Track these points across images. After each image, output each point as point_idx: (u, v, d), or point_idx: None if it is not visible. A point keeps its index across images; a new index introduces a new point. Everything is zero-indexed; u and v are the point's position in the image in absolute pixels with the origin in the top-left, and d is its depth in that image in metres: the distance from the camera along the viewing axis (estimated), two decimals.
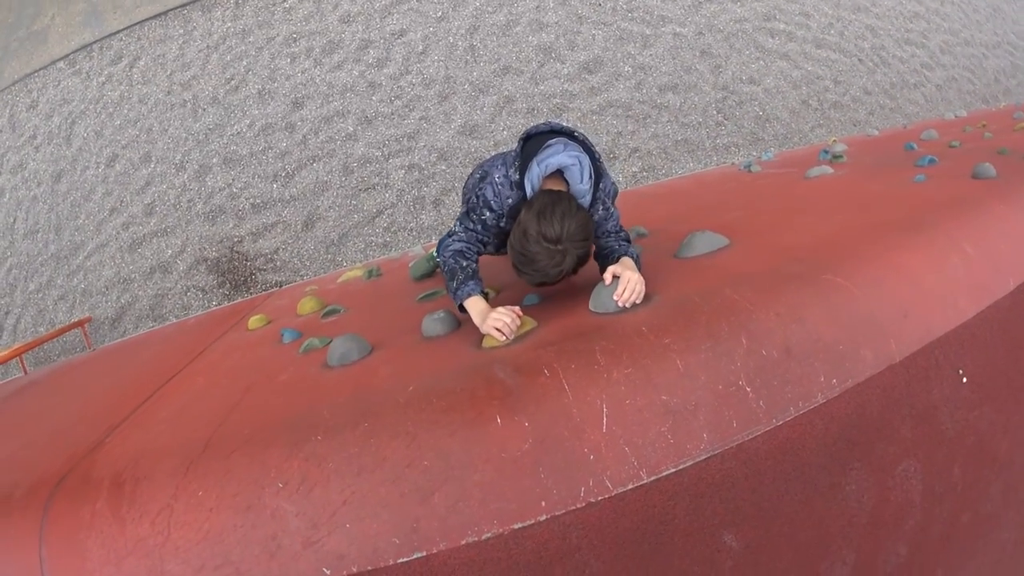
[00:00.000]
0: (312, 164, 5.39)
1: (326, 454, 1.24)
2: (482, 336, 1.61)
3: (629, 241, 1.84)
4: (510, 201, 1.79)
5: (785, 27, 6.51)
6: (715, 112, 5.92)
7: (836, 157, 3.91)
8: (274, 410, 1.49)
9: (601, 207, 1.82)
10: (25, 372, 4.89)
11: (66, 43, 6.61)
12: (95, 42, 6.38)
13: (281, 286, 5.27)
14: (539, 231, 1.56)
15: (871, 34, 7.48)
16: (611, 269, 1.62)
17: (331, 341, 1.90)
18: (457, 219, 1.91)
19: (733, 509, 1.33)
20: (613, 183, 1.96)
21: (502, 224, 1.84)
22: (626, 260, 1.72)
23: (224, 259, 5.51)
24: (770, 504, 1.36)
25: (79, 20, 6.56)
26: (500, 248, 1.97)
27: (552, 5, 5.52)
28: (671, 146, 5.67)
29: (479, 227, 1.82)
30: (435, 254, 2.66)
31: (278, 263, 5.42)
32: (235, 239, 5.52)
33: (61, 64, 6.64)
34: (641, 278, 1.60)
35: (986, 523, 1.71)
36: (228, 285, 5.51)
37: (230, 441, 1.36)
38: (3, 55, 7.16)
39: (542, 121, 2.04)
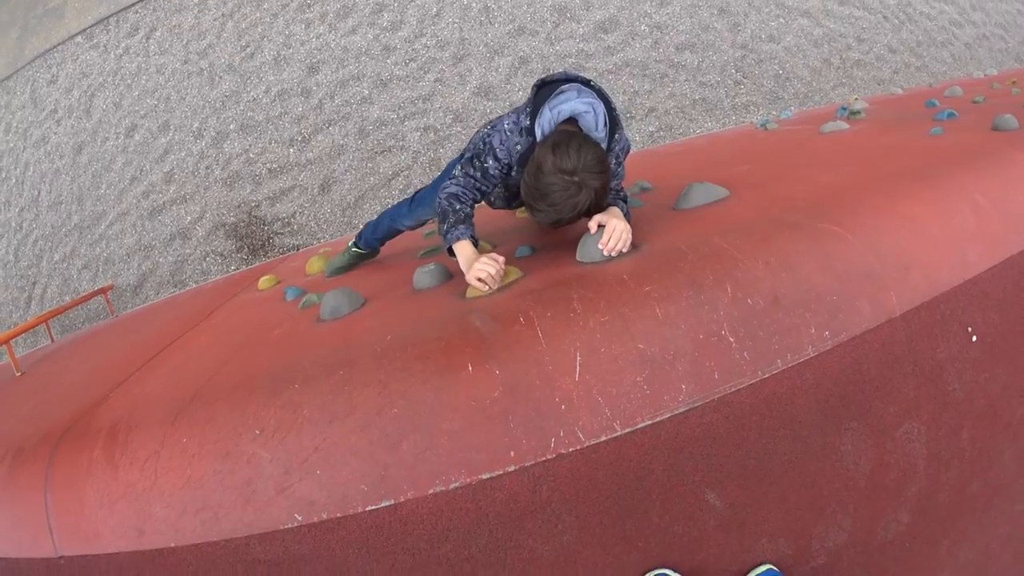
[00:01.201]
0: (328, 128, 5.40)
1: (301, 402, 1.25)
2: (467, 286, 1.60)
3: (626, 200, 1.80)
4: (519, 148, 1.73)
5: None
6: (734, 71, 5.81)
7: (854, 113, 3.80)
8: (261, 363, 1.52)
9: (614, 160, 1.75)
10: (52, 340, 5.03)
11: (83, 18, 6.66)
12: (111, 15, 6.43)
13: (298, 249, 5.32)
14: (554, 163, 1.50)
15: None
16: (596, 218, 1.58)
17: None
18: (459, 163, 1.84)
19: (716, 466, 1.27)
20: (627, 139, 1.87)
21: (511, 174, 1.79)
22: (613, 209, 1.67)
23: (242, 224, 5.57)
24: (756, 462, 1.29)
25: None
26: (509, 202, 1.94)
27: None
28: (688, 105, 5.58)
29: (479, 174, 1.77)
30: (350, 245, 2.60)
31: (295, 227, 5.46)
32: (252, 204, 5.57)
33: (79, 39, 6.70)
34: (627, 226, 1.56)
35: (997, 493, 1.61)
36: (246, 250, 5.57)
37: (216, 392, 1.39)
38: (23, 32, 7.24)
39: (559, 70, 1.98)
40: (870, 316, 1.35)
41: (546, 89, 1.71)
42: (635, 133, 5.37)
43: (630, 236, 1.55)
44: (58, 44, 6.91)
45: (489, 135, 1.77)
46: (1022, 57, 8.78)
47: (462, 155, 1.93)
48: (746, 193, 1.88)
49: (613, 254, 1.53)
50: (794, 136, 3.37)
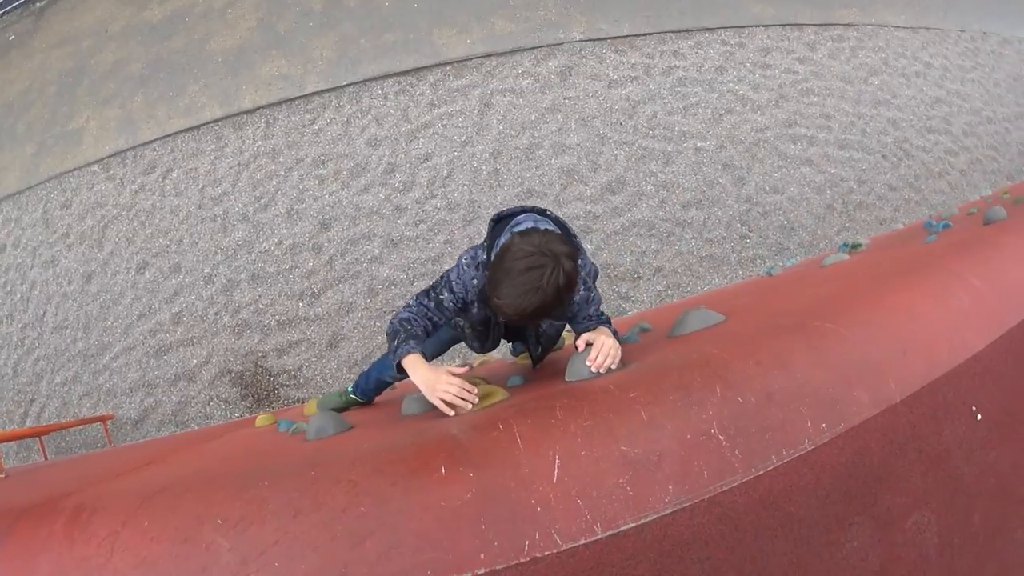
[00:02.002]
0: (338, 285, 5.46)
1: (267, 497, 1.24)
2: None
3: (609, 323, 1.78)
4: (475, 282, 1.73)
5: (807, 131, 6.52)
6: (739, 225, 5.92)
7: (855, 247, 3.83)
8: (236, 466, 1.53)
9: (583, 287, 1.73)
10: (45, 458, 5.00)
11: (100, 147, 6.80)
12: (129, 149, 6.56)
13: (303, 402, 5.31)
14: (521, 240, 1.46)
15: (893, 127, 7.45)
16: (584, 336, 1.57)
17: None
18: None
19: (709, 570, 1.21)
20: (592, 263, 1.87)
21: (472, 309, 1.77)
22: (601, 328, 1.66)
23: (248, 373, 5.58)
24: (754, 566, 1.23)
25: (113, 126, 6.76)
26: (483, 341, 1.90)
27: (574, 127, 5.59)
28: (695, 263, 5.67)
29: (432, 304, 1.76)
30: (348, 390, 2.61)
31: (301, 380, 5.47)
32: (260, 354, 5.59)
33: (95, 167, 6.83)
34: (616, 343, 1.54)
35: (1013, 572, 1.57)
36: (251, 398, 5.56)
37: (185, 485, 1.40)
38: (39, 150, 7.37)
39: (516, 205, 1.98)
40: (869, 404, 1.32)
41: (503, 223, 1.73)
42: (642, 293, 5.44)
43: (619, 353, 1.53)
44: (74, 169, 7.03)
45: (448, 270, 1.78)
46: (1014, 175, 8.97)
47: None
48: (743, 316, 1.88)
49: (602, 371, 1.50)
50: (796, 273, 3.47)
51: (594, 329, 1.68)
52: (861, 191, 6.84)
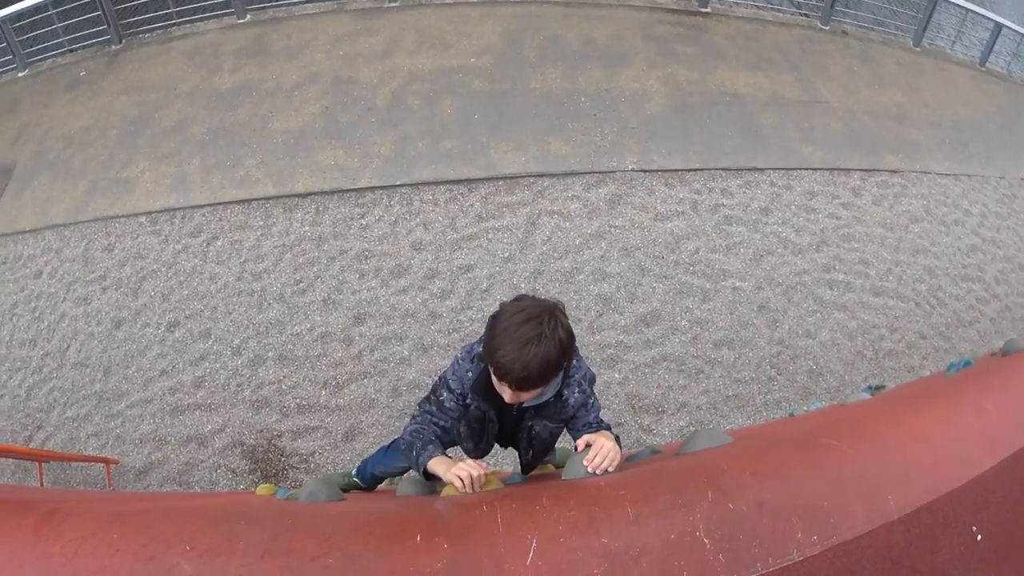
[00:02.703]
0: (363, 379, 5.48)
1: (240, 534, 1.24)
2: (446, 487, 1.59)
3: (611, 429, 1.78)
4: (470, 375, 1.75)
5: (844, 277, 6.55)
6: (768, 367, 5.90)
7: (878, 388, 3.82)
8: (220, 507, 1.53)
9: (577, 389, 1.75)
10: (42, 484, 4.97)
11: (151, 200, 6.96)
12: (178, 208, 6.72)
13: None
14: (514, 304, 1.51)
15: (928, 275, 7.47)
16: (585, 437, 1.58)
17: None
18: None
19: None
20: (589, 368, 1.88)
21: (469, 406, 1.78)
22: (604, 431, 1.68)
23: (260, 449, 5.56)
24: None
25: (167, 182, 6.93)
26: (478, 441, 1.91)
27: (616, 256, 5.66)
28: (720, 401, 5.64)
29: (434, 408, 1.79)
30: (352, 473, 2.62)
31: (312, 465, 5.44)
32: (275, 433, 5.58)
33: (143, 219, 6.97)
34: (616, 447, 1.54)
35: None
36: (259, 473, 5.53)
37: (163, 511, 1.41)
38: (91, 189, 7.54)
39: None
40: (864, 520, 1.27)
41: None
42: (664, 427, 5.40)
43: (618, 456, 1.52)
44: (121, 215, 7.17)
45: (444, 371, 1.82)
46: None
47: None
48: (752, 440, 1.86)
49: (599, 472, 1.48)
50: (815, 412, 3.42)
51: (598, 431, 1.70)
52: (892, 339, 6.81)
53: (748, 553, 1.21)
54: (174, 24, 8.53)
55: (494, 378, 1.67)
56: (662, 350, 5.56)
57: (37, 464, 5.03)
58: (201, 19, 8.39)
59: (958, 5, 10.15)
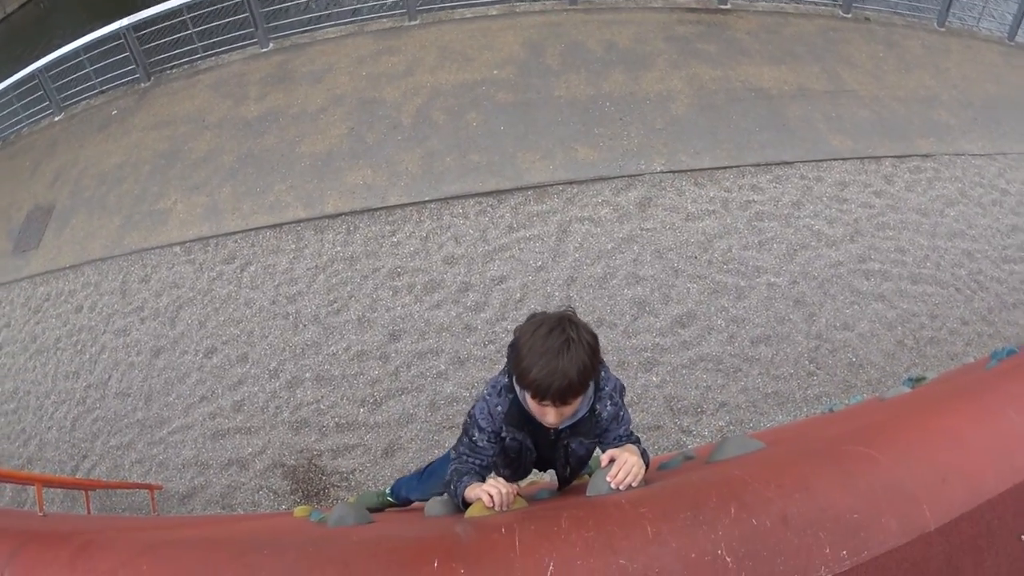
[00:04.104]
0: (400, 395, 5.51)
1: (263, 565, 1.25)
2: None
3: (640, 443, 1.75)
4: (500, 409, 1.72)
5: (880, 266, 6.41)
6: (807, 362, 5.79)
7: (919, 380, 3.71)
8: (247, 536, 1.60)
9: (609, 402, 1.73)
10: (89, 511, 5.09)
11: (184, 230, 7.13)
12: (211, 237, 6.87)
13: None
14: (529, 322, 1.52)
15: (968, 259, 7.26)
16: (610, 452, 1.54)
17: None
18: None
19: None
20: (617, 379, 1.85)
21: (505, 440, 1.76)
22: (628, 446, 1.64)
23: (301, 469, 5.63)
24: None
25: (199, 212, 7.10)
26: (515, 471, 1.90)
27: (649, 259, 5.63)
28: (760, 399, 5.55)
29: (467, 450, 1.76)
30: (386, 492, 2.64)
31: (353, 483, 5.48)
32: (315, 452, 5.64)
33: (177, 249, 7.14)
34: (640, 461, 1.50)
35: None
36: (300, 493, 5.59)
37: (191, 542, 1.47)
38: (125, 223, 7.75)
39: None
40: (898, 533, 1.19)
41: None
42: (704, 427, 5.33)
43: (642, 471, 1.48)
44: (156, 247, 7.35)
45: (473, 408, 1.78)
46: None
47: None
48: (783, 444, 1.80)
49: (622, 487, 1.45)
50: (854, 408, 3.27)
51: (623, 445, 1.67)
52: (933, 326, 6.63)
53: (772, 571, 1.16)
54: (199, 58, 8.77)
55: (531, 403, 1.65)
56: (699, 350, 5.49)
57: (84, 492, 5.18)
58: (226, 51, 8.61)
59: None
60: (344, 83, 7.48)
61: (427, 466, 2.42)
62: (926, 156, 7.31)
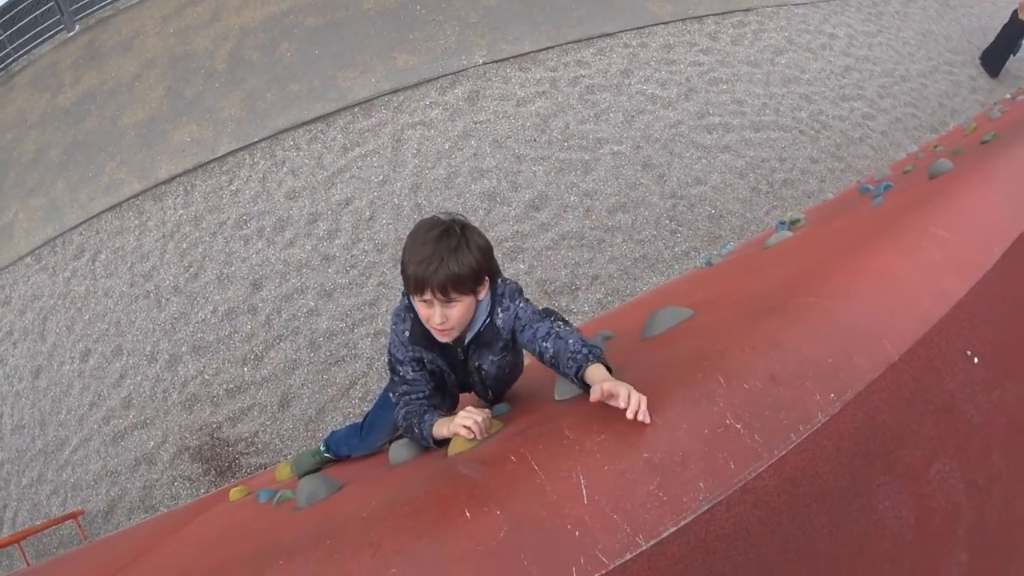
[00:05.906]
0: (279, 344, 5.45)
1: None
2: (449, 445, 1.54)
3: (570, 324, 1.61)
4: (406, 334, 1.67)
5: (720, 119, 6.67)
6: (668, 221, 6.02)
7: (794, 223, 3.76)
8: (240, 550, 1.46)
9: (500, 310, 1.65)
10: (27, 564, 4.95)
11: (30, 238, 6.75)
12: (57, 236, 6.53)
13: (265, 468, 5.28)
14: (422, 221, 1.51)
15: (806, 102, 7.64)
16: (604, 387, 1.31)
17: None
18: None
19: (754, 559, 1.18)
20: (511, 282, 1.75)
21: (425, 364, 1.72)
22: (602, 372, 1.42)
23: (206, 447, 5.54)
24: (797, 544, 1.22)
25: (40, 215, 6.72)
26: (444, 394, 1.86)
27: (488, 150, 5.67)
28: (630, 265, 5.74)
29: (404, 387, 1.72)
30: (321, 450, 2.52)
31: (259, 445, 5.43)
32: (214, 426, 5.55)
33: (28, 260, 6.77)
34: (629, 386, 1.37)
35: None
36: (213, 472, 5.51)
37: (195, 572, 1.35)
38: None
39: None
40: (869, 368, 1.33)
41: None
42: (583, 303, 5.49)
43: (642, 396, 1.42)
44: (8, 264, 6.96)
45: (389, 346, 1.75)
46: (937, 127, 9.20)
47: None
48: (710, 308, 1.88)
49: (647, 421, 1.31)
50: (740, 259, 3.45)
51: (592, 367, 1.44)
52: (783, 168, 6.98)
53: (779, 427, 1.22)
54: (12, 61, 8.17)
55: (419, 308, 1.58)
56: (559, 230, 5.63)
57: (18, 546, 5.01)
58: (36, 45, 8.05)
59: None
60: (153, 45, 7.12)
61: (364, 419, 2.28)
62: (748, 10, 7.58)
